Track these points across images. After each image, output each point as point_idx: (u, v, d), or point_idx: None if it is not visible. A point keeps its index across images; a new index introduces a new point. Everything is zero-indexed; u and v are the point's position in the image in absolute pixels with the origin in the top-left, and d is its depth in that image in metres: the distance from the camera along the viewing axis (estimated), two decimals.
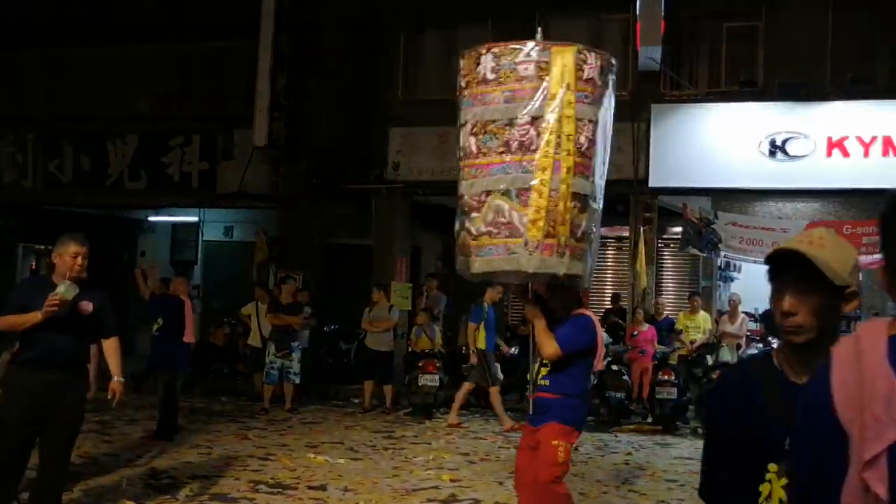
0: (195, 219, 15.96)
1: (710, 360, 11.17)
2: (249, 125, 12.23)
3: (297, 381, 10.91)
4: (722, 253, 12.24)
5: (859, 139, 11.27)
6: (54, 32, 13.98)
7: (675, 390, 10.57)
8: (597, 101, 3.96)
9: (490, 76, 3.86)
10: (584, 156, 3.87)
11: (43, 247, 16.27)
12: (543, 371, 4.65)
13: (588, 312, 4.93)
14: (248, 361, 12.28)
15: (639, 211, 12.20)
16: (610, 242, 14.10)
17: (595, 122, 3.93)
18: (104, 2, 13.92)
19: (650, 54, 11.45)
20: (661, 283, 13.49)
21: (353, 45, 12.77)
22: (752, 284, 13.92)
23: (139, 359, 10.85)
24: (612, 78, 4.14)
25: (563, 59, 3.82)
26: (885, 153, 11.21)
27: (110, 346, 4.96)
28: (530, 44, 3.87)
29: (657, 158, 11.91)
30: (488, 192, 3.85)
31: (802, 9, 11.85)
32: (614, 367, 10.94)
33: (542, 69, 3.78)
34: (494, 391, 10.14)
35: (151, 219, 16.11)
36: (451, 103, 4.20)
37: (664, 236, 13.32)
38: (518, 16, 12.63)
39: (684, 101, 12.15)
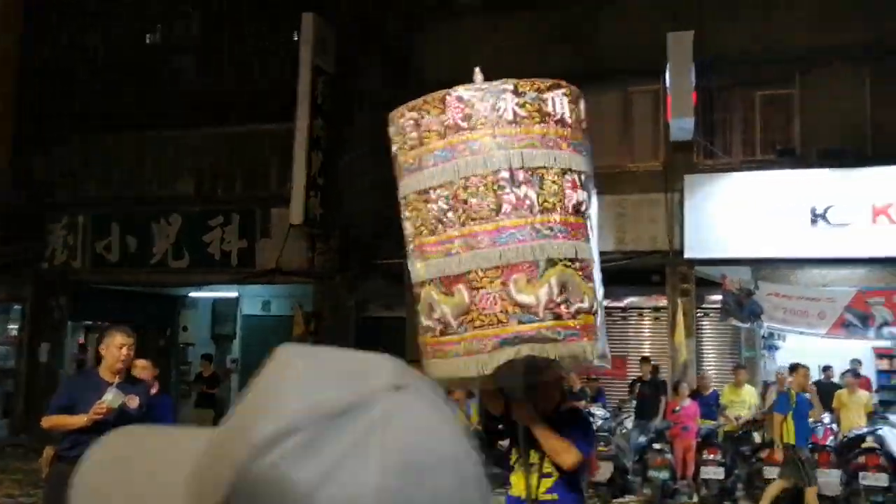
0: (234, 294, 16.28)
1: (757, 437, 10.74)
2: (286, 204, 12.53)
3: None
4: (765, 324, 11.89)
5: None
6: (106, 119, 14.65)
7: (721, 469, 10.16)
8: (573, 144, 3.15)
9: (413, 134, 3.15)
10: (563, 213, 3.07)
11: (90, 322, 16.72)
12: (547, 482, 3.92)
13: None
14: None
15: (676, 282, 11.98)
16: (646, 312, 13.84)
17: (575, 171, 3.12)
18: (150, 90, 14.54)
19: (682, 125, 11.38)
20: (702, 353, 13.14)
21: (383, 126, 13.01)
22: (798, 353, 13.51)
23: None
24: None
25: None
26: None
27: None
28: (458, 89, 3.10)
29: (692, 229, 11.72)
30: (421, 282, 3.17)
31: (837, 76, 11.69)
32: (656, 446, 10.60)
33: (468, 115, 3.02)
34: (812, 492, 9.00)
35: (192, 295, 16.45)
36: None
37: (703, 305, 13.02)
38: None
39: (719, 170, 12.00)
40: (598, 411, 12.09)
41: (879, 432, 10.51)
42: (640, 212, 12.02)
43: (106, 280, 15.10)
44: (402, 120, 3.19)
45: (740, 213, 11.61)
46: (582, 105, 3.25)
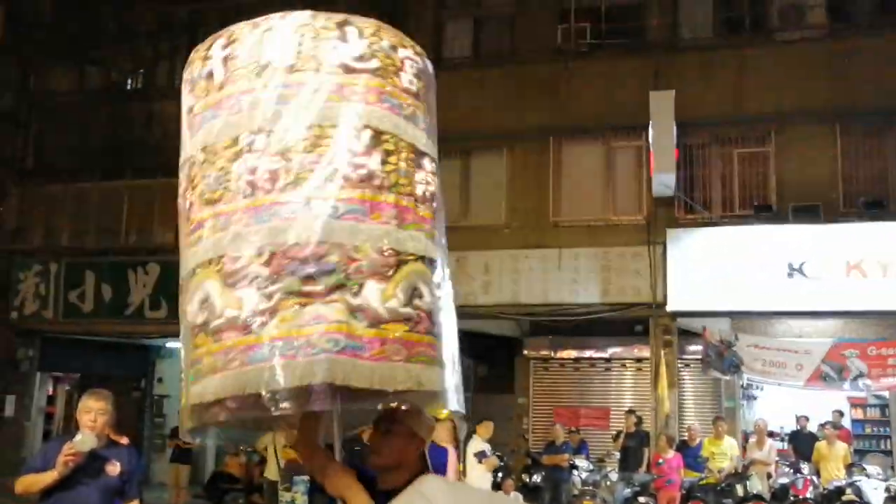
0: None
1: (739, 489, 10.85)
2: None
3: None
4: (745, 375, 12.11)
5: (877, 260, 11.30)
6: (79, 167, 14.47)
7: None
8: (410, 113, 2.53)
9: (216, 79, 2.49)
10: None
11: (60, 374, 16.28)
12: None
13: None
14: (263, 493, 12.02)
15: (659, 333, 12.15)
16: (629, 363, 13.98)
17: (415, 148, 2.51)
18: (127, 137, 14.42)
19: (664, 181, 11.66)
20: (683, 404, 13.29)
21: None
22: (774, 403, 13.78)
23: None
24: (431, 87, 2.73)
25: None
26: None
27: None
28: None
29: (675, 281, 11.93)
30: (195, 269, 2.45)
31: (810, 136, 12.14)
32: (641, 499, 10.65)
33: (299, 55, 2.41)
34: None
35: (169, 345, 16.13)
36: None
37: (684, 356, 13.21)
38: (532, 142, 13.00)
39: (700, 224, 12.28)
40: (582, 463, 12.15)
41: (858, 484, 10.72)
42: (623, 264, 12.22)
43: (79, 330, 14.73)
44: (207, 53, 2.54)
45: (720, 266, 11.86)
46: (428, 76, 2.66)
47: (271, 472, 11.33)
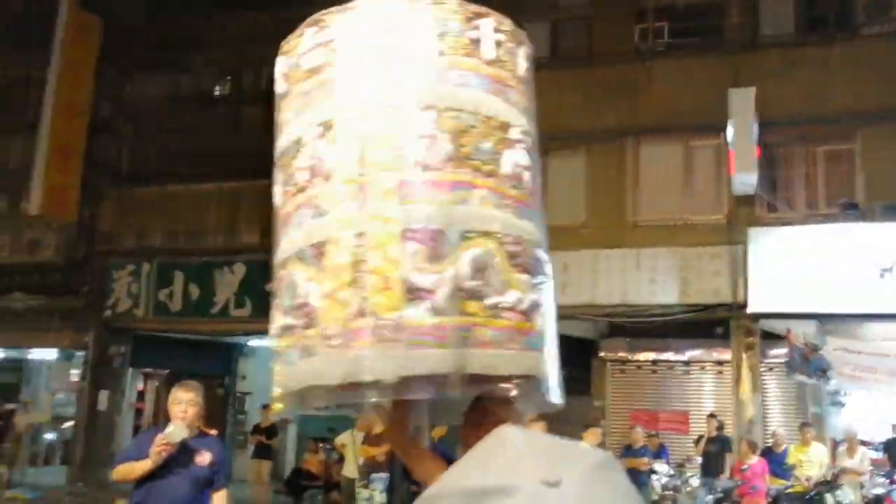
0: None
1: (830, 499, 10.46)
2: None
3: None
4: (833, 380, 11.72)
5: None
6: (169, 171, 15.12)
7: None
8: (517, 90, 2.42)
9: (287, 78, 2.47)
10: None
11: (149, 370, 16.93)
12: None
13: None
14: (341, 491, 12.18)
15: (741, 336, 11.89)
16: (709, 366, 13.68)
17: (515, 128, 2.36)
18: (214, 144, 15.00)
19: (745, 180, 11.45)
20: (766, 409, 12.92)
21: None
22: (864, 409, 13.24)
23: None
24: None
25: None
26: None
27: (220, 499, 4.77)
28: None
29: (757, 282, 11.66)
30: (285, 263, 2.37)
31: None
32: None
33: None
34: None
35: (251, 344, 16.59)
36: None
37: (766, 359, 12.87)
38: (610, 142, 12.96)
39: (783, 223, 11.99)
40: (661, 468, 11.91)
41: None
42: (702, 264, 12.03)
43: (167, 328, 15.33)
44: (300, 40, 2.46)
45: (805, 266, 11.53)
46: (523, 51, 2.50)
47: (349, 470, 11.48)
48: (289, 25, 2.42)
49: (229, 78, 16.08)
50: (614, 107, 12.87)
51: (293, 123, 2.42)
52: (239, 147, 14.56)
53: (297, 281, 2.20)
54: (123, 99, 16.47)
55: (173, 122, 15.65)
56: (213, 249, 14.58)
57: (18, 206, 16.13)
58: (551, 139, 12.96)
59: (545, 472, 0.61)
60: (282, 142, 2.48)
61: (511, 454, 0.63)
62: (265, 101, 2.77)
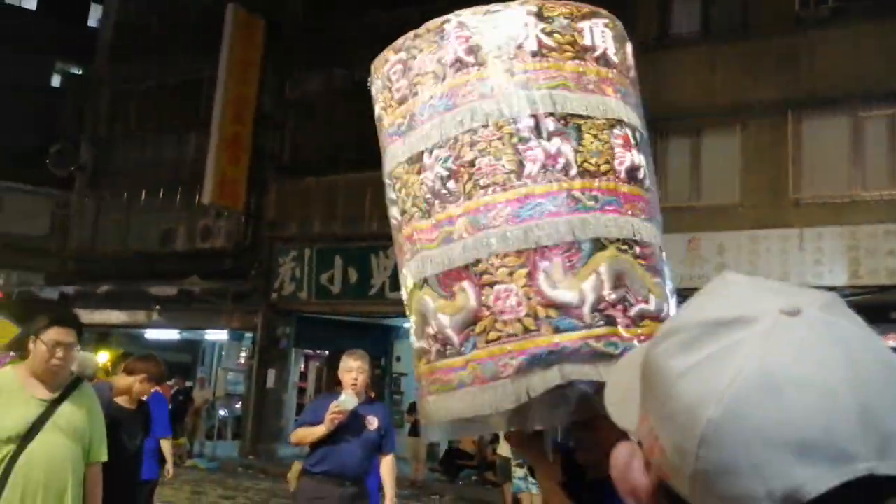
0: None
1: None
2: None
3: (535, 490, 10.78)
4: None
5: None
6: (328, 162, 15.89)
7: None
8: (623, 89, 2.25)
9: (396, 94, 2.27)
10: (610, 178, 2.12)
11: (311, 351, 17.85)
12: None
13: None
14: (496, 470, 12.39)
15: None
16: None
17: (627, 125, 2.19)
18: (369, 135, 15.51)
19: None
20: None
21: None
22: None
23: None
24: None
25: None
26: None
27: (388, 463, 5.03)
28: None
29: None
30: (412, 288, 2.22)
31: None
32: None
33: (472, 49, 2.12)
34: None
35: (407, 325, 17.12)
36: None
37: None
38: (768, 117, 12.41)
39: None
40: None
41: None
42: (875, 244, 11.30)
43: (328, 310, 16.11)
44: (387, 67, 2.28)
45: None
46: (629, 48, 2.35)
47: (504, 450, 11.66)
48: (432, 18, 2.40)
49: None
50: (773, 80, 12.29)
51: (410, 138, 2.26)
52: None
53: (427, 306, 2.08)
54: (285, 94, 17.43)
55: (330, 116, 16.40)
56: (368, 235, 15.16)
57: (193, 197, 17.48)
58: (704, 116, 12.63)
59: (783, 303, 0.67)
60: (400, 153, 2.29)
61: (744, 289, 0.69)
62: None
